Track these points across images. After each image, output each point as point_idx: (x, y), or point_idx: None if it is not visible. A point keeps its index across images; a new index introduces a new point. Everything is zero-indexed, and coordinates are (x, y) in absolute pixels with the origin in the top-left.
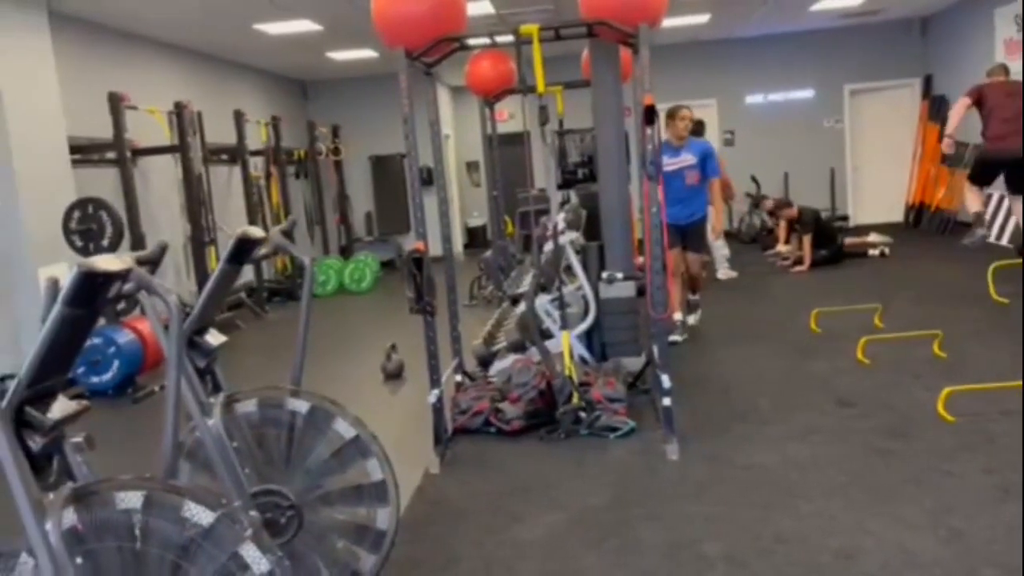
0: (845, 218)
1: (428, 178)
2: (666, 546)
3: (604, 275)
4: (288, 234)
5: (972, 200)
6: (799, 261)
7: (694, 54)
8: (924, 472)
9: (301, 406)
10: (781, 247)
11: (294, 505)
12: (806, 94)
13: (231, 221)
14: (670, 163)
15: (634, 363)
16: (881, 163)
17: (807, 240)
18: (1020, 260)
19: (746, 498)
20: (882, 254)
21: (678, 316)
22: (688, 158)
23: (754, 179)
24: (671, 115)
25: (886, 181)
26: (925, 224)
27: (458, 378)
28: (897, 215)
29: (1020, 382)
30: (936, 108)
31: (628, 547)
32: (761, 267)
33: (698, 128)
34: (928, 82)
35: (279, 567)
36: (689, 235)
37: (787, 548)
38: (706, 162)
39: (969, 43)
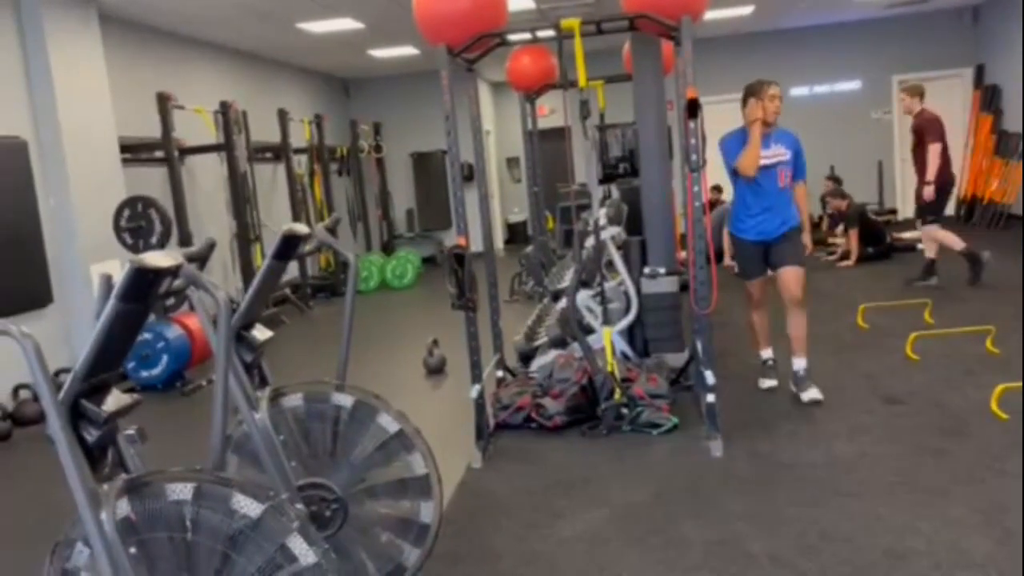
0: (893, 211)
1: (469, 174)
2: (709, 544)
3: (646, 270)
4: (332, 231)
5: (952, 240)
6: (846, 255)
7: (738, 47)
8: (977, 471)
9: (346, 400)
10: (834, 239)
11: (339, 498)
12: (853, 85)
13: (276, 218)
14: (761, 157)
15: (677, 359)
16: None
17: (853, 234)
18: None
19: (791, 496)
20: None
21: (767, 354)
22: (781, 151)
23: None
24: (754, 92)
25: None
26: (977, 217)
27: (499, 374)
28: (949, 208)
29: None
30: (989, 98)
31: (671, 544)
32: (808, 261)
33: None
34: (980, 71)
35: (325, 559)
36: (781, 247)
37: (834, 547)
38: (799, 158)
39: (1020, 31)
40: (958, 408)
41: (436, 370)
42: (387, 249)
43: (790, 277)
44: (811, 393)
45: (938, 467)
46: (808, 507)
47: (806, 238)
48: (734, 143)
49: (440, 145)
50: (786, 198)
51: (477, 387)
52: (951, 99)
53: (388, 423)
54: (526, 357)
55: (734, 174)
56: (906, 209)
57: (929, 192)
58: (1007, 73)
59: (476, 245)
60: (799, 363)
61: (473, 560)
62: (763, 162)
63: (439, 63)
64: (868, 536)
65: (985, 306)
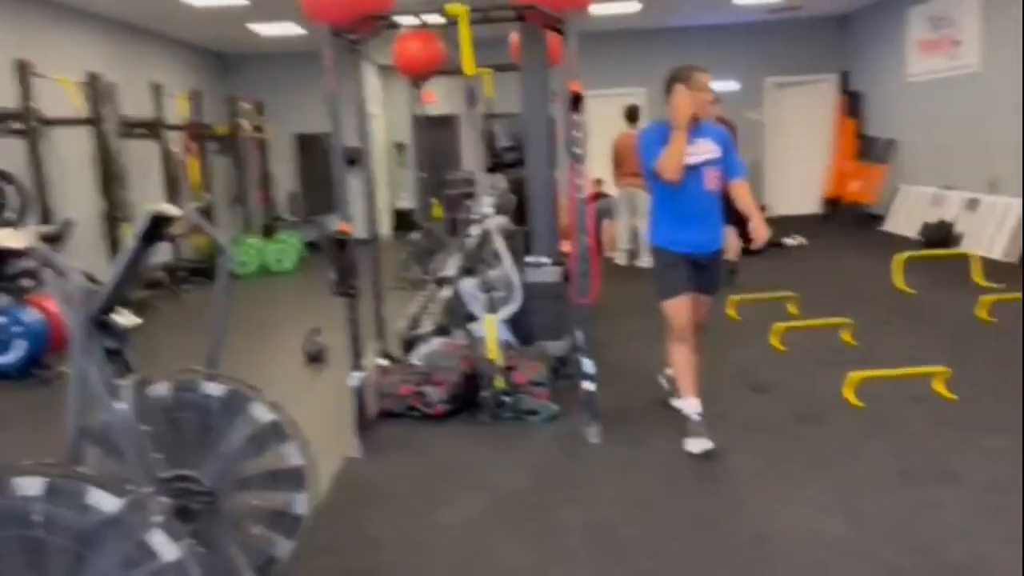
0: (764, 208)
1: (354, 158)
2: (585, 529)
3: (530, 260)
4: (205, 212)
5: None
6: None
7: (624, 42)
8: (833, 456)
9: (217, 390)
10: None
11: (208, 491)
12: (732, 86)
13: (149, 197)
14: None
15: (559, 348)
16: (800, 156)
17: (731, 231)
18: (924, 251)
19: (664, 482)
20: (800, 245)
21: (694, 407)
22: (710, 147)
23: None
24: (682, 78)
25: (804, 173)
26: (840, 216)
27: (382, 362)
28: (814, 207)
29: (921, 369)
30: (852, 103)
31: (548, 530)
32: None
33: (633, 113)
34: (845, 78)
35: (189, 555)
36: (710, 272)
37: (703, 532)
38: (729, 155)
39: (883, 41)
40: (818, 396)
41: (316, 358)
42: (268, 232)
43: (703, 306)
44: (699, 444)
45: (798, 453)
46: (679, 493)
47: (761, 228)
48: (654, 138)
49: (326, 127)
50: (716, 205)
51: (358, 375)
52: (819, 103)
53: (261, 413)
54: (409, 345)
55: (653, 176)
56: (777, 206)
57: None
58: (869, 80)
59: (361, 231)
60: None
61: (353, 550)
62: (687, 160)
63: (322, 43)
64: (734, 520)
65: (844, 300)
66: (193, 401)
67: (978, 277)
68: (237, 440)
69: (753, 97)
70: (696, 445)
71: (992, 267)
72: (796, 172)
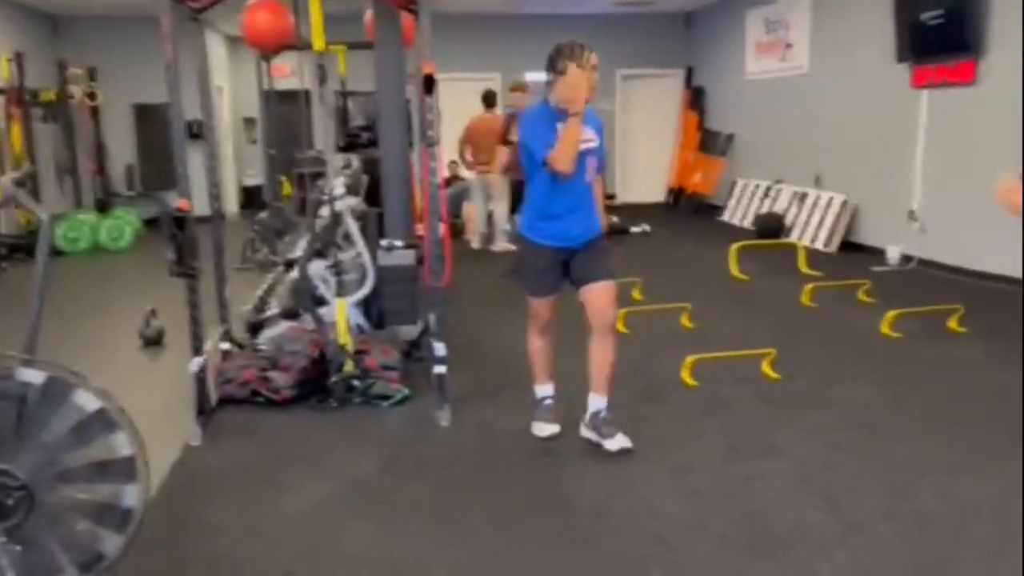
0: (612, 197)
1: (197, 132)
2: (433, 510)
3: (383, 243)
4: (23, 183)
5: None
6: None
7: (481, 26)
8: (670, 435)
9: (35, 377)
10: None
11: (24, 485)
12: None
13: None
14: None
15: (411, 331)
16: (648, 146)
17: None
18: (757, 241)
19: (511, 462)
20: (644, 232)
21: (546, 390)
22: (591, 136)
23: None
24: (573, 55)
25: (651, 164)
26: (682, 206)
27: (225, 346)
28: (660, 196)
29: (751, 351)
30: (695, 98)
31: (395, 514)
32: None
33: (490, 99)
34: (690, 73)
35: (3, 553)
36: (588, 258)
37: (545, 510)
38: (602, 144)
39: (724, 40)
40: (659, 377)
41: (154, 342)
42: (102, 208)
43: (601, 295)
44: (618, 440)
45: (641, 431)
46: (526, 472)
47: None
48: (540, 125)
49: (167, 98)
50: (591, 195)
51: (198, 360)
52: (666, 96)
53: (86, 401)
54: (255, 328)
55: (535, 165)
56: (624, 195)
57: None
58: (711, 77)
59: (203, 208)
60: (599, 402)
61: (192, 541)
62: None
63: (158, 8)
64: (577, 498)
65: (684, 286)
66: (7, 389)
67: (803, 266)
68: (58, 430)
69: (606, 88)
70: (543, 429)
71: (815, 256)
72: (643, 162)
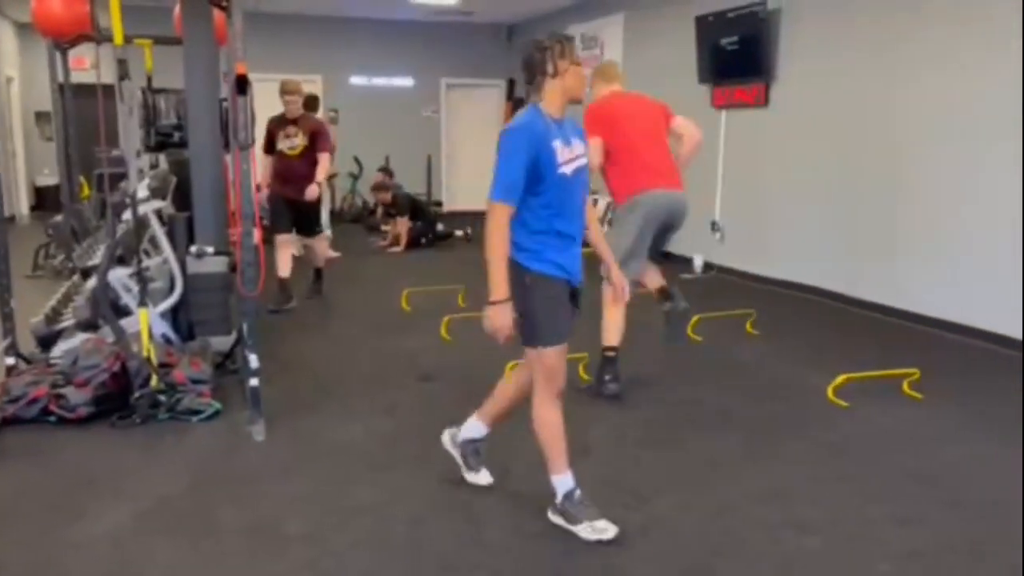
0: (439, 203)
1: None
2: (245, 528)
3: (193, 249)
4: None
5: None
6: (396, 242)
7: (300, 27)
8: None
9: None
10: (386, 227)
11: None
12: (406, 82)
13: None
14: (566, 158)
15: (224, 342)
16: (473, 155)
17: (403, 221)
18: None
19: (330, 474)
20: (466, 238)
21: (570, 480)
22: (581, 148)
23: (357, 160)
24: (566, 52)
25: (476, 172)
26: None
27: (10, 360)
28: (482, 203)
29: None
30: (515, 110)
31: (205, 533)
32: (361, 247)
33: (312, 103)
34: (512, 85)
35: None
36: (577, 300)
37: (364, 520)
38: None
39: None
40: (480, 381)
41: None
42: None
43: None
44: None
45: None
46: (343, 483)
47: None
48: (545, 134)
49: None
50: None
51: None
52: (489, 106)
53: None
54: (46, 342)
55: (542, 182)
56: (450, 202)
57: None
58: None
59: None
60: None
61: None
62: (568, 168)
63: None
64: (392, 508)
65: None
66: None
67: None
68: None
69: (430, 95)
70: (606, 531)
71: None
72: (468, 171)
